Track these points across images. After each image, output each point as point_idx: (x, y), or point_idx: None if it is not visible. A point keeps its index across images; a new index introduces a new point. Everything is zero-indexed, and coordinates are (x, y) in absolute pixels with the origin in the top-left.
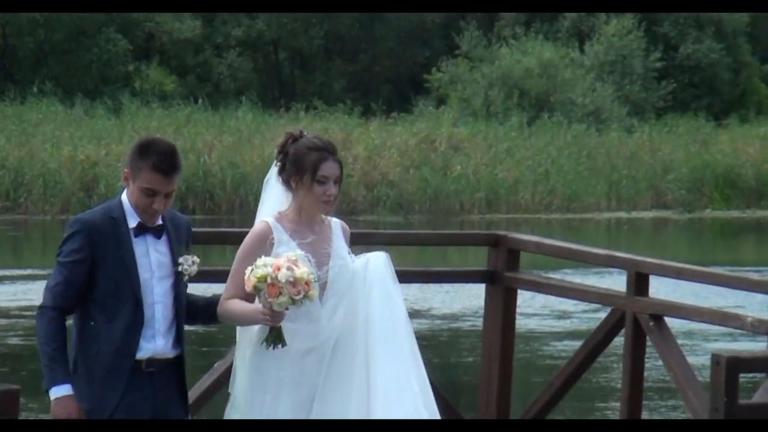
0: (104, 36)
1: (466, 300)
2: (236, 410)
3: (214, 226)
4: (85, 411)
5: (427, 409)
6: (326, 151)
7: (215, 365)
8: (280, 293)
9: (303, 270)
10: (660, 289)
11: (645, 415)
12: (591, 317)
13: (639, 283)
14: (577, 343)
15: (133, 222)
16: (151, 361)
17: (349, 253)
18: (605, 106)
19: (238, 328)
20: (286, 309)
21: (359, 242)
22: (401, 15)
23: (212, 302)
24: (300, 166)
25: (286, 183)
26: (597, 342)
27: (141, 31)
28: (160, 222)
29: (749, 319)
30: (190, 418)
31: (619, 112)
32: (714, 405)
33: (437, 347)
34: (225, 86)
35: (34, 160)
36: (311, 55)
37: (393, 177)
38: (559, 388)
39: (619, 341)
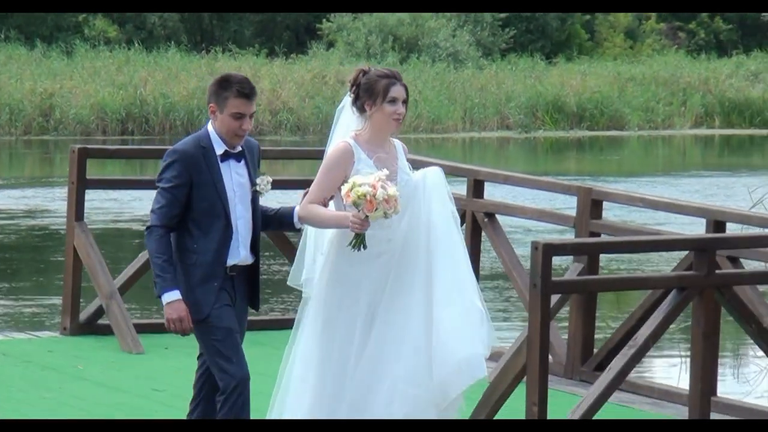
0: None
1: None
2: (312, 309)
3: (149, 144)
4: None
5: (481, 302)
6: (394, 77)
7: None
8: (376, 208)
9: (393, 189)
10: (496, 193)
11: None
12: None
13: (476, 188)
14: None
15: (219, 149)
16: (233, 268)
17: (410, 168)
18: (462, 49)
19: (309, 236)
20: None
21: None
22: None
23: (282, 212)
24: (372, 91)
25: (360, 109)
26: None
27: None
28: (240, 148)
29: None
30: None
31: (473, 53)
32: (533, 281)
33: None
34: (157, 33)
35: (2, 93)
36: None
37: (292, 105)
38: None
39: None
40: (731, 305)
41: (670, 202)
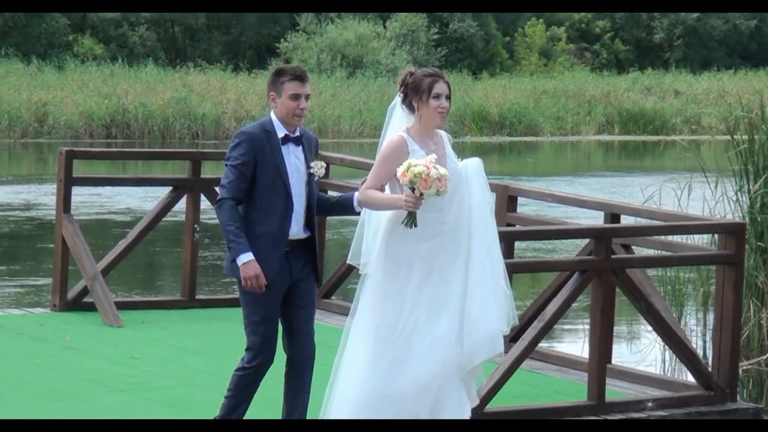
0: (50, 15)
1: None
2: (369, 285)
3: (129, 147)
4: None
5: (507, 285)
6: (437, 75)
7: None
8: (430, 186)
9: (444, 170)
10: None
11: None
12: None
13: None
14: None
15: (281, 133)
16: (290, 241)
17: (456, 156)
18: (401, 66)
19: (367, 220)
20: (422, 197)
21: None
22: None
23: (343, 198)
24: (419, 89)
25: (409, 106)
26: None
27: (77, 14)
28: (299, 133)
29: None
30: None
31: None
32: None
33: None
34: (137, 51)
35: (1, 102)
36: (197, 30)
37: (254, 113)
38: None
39: None
40: (624, 286)
41: (574, 198)
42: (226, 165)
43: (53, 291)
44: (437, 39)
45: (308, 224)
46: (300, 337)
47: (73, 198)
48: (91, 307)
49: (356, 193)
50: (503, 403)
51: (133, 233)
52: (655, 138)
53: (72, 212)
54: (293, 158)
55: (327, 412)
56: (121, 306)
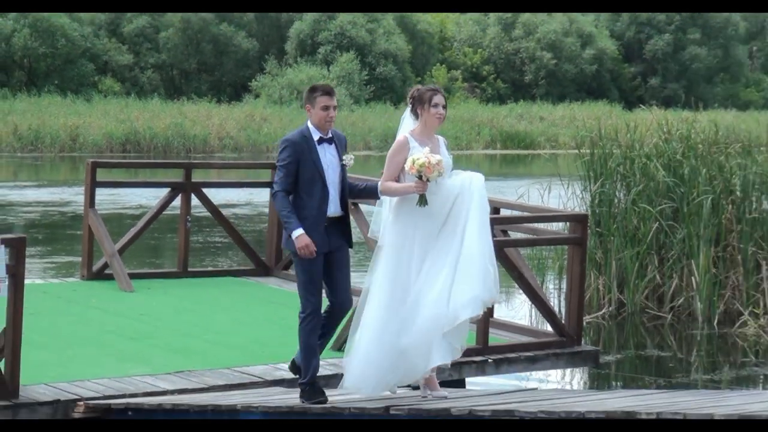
0: (80, 62)
1: None
2: (382, 254)
3: (139, 159)
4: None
5: (494, 268)
6: (436, 90)
7: None
8: (433, 171)
9: (438, 156)
10: None
11: None
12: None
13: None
14: None
15: (316, 136)
16: (328, 218)
17: (449, 156)
18: (341, 98)
19: (383, 204)
20: (428, 181)
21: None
22: (239, 49)
23: (369, 186)
24: (422, 99)
25: (415, 113)
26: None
27: (101, 60)
28: (330, 135)
29: None
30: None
31: (348, 101)
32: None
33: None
34: (146, 88)
35: (45, 125)
36: (190, 72)
37: (233, 134)
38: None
39: None
40: (504, 260)
41: None
42: (277, 165)
43: (82, 265)
44: (367, 79)
45: (342, 205)
46: (338, 291)
47: (97, 197)
48: (110, 277)
49: (379, 183)
50: None
51: (141, 222)
52: (525, 152)
53: (96, 207)
54: (328, 155)
55: (350, 355)
56: (133, 276)
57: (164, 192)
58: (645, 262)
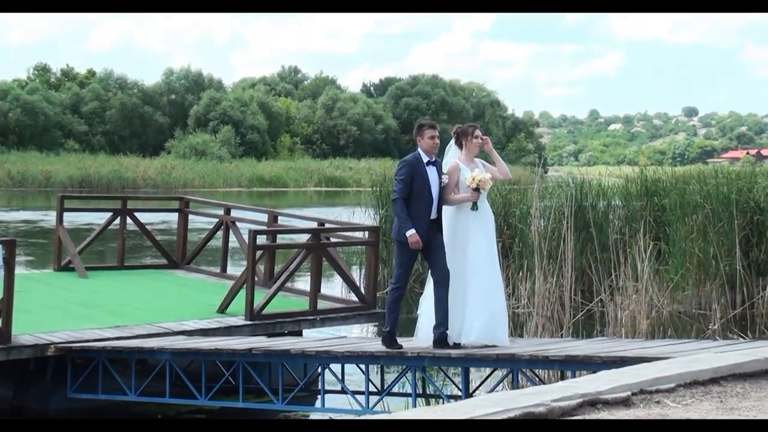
0: (53, 130)
1: None
2: (445, 248)
3: (93, 194)
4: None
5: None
6: (474, 126)
7: None
8: (487, 184)
9: (489, 174)
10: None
11: None
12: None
13: (227, 210)
14: None
15: (425, 159)
16: (429, 220)
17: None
18: (222, 154)
19: (446, 213)
20: (480, 192)
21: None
22: (157, 122)
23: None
24: (466, 133)
25: (459, 144)
26: None
27: (67, 128)
28: (435, 159)
29: None
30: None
31: (227, 155)
32: (249, 245)
33: None
34: (96, 147)
35: (29, 170)
36: (125, 137)
37: (153, 177)
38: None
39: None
40: (328, 258)
41: (309, 217)
42: (396, 179)
43: (54, 261)
44: (239, 141)
45: (438, 211)
46: (438, 267)
47: (64, 217)
48: (72, 269)
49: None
50: (270, 309)
51: (92, 234)
52: (340, 189)
53: (63, 224)
54: (432, 174)
55: (416, 335)
56: (88, 268)
57: (108, 215)
58: None
